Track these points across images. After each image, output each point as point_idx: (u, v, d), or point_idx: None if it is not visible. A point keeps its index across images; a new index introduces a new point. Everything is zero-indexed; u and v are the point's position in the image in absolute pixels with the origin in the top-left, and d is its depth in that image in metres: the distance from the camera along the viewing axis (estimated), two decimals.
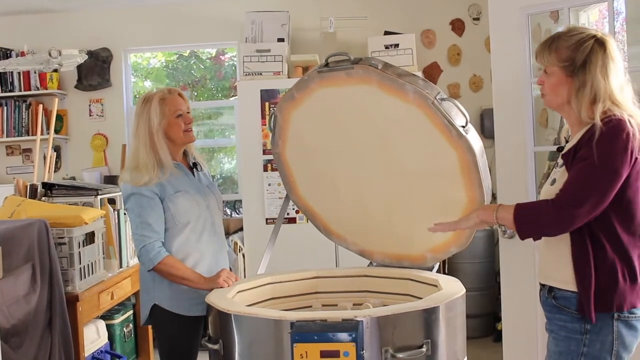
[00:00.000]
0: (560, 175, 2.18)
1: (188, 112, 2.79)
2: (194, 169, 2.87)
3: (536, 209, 2.12)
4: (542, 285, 2.26)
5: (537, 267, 2.30)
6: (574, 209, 2.02)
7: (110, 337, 3.81)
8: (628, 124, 2.03)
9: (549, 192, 2.20)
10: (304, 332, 2.01)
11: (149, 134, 2.70)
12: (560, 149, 2.30)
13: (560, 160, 2.24)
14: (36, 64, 3.76)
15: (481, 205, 2.34)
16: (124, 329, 3.94)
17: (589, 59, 2.11)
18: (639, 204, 2.10)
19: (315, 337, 1.99)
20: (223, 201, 6.32)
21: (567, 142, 2.29)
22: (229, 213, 6.40)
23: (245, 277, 5.06)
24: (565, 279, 2.13)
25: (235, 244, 5.34)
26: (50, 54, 3.69)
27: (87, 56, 4.47)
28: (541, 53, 2.22)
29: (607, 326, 2.08)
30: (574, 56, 2.13)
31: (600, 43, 2.13)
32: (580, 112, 2.12)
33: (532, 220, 2.12)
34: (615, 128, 2.03)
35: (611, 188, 2.03)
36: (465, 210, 2.44)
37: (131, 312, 4.05)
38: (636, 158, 2.04)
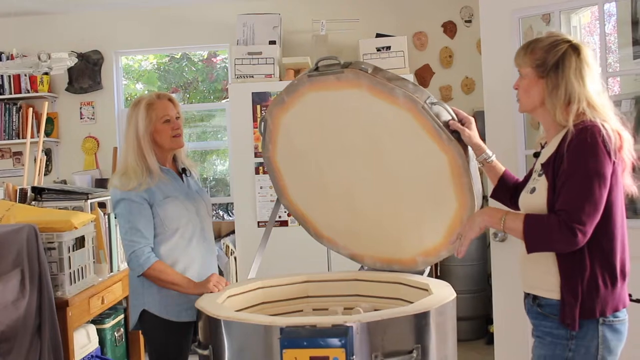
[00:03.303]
0: (540, 184, 2.18)
1: (178, 117, 2.77)
2: (183, 175, 2.86)
3: (546, 225, 2.07)
4: (527, 294, 2.27)
5: (520, 276, 2.29)
6: (582, 226, 2.01)
7: (101, 342, 3.78)
8: (602, 128, 2.04)
9: (528, 200, 2.21)
10: (293, 338, 1.99)
11: (136, 139, 2.69)
12: (536, 155, 2.31)
13: (538, 168, 2.24)
14: (25, 67, 3.75)
15: (484, 211, 2.27)
16: (115, 333, 3.92)
17: (562, 61, 2.12)
18: (619, 207, 2.11)
19: (305, 343, 1.98)
20: (216, 204, 6.35)
21: (542, 147, 2.30)
22: (222, 215, 6.38)
23: (237, 280, 5.05)
24: (549, 288, 2.14)
25: (227, 247, 5.33)
26: (39, 58, 3.68)
27: (77, 59, 4.47)
28: (518, 55, 2.24)
29: (592, 331, 2.08)
30: (546, 57, 2.15)
31: (574, 48, 2.14)
32: (555, 114, 2.13)
33: (542, 237, 2.08)
34: (592, 135, 2.04)
35: (605, 195, 2.05)
36: (456, 215, 2.43)
37: (122, 316, 4.03)
38: (614, 162, 2.05)
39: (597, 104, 2.10)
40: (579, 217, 2.01)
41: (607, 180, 2.04)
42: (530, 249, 2.11)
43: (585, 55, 2.14)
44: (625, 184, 2.15)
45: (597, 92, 2.14)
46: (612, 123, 2.09)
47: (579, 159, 2.04)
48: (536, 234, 2.09)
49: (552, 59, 2.13)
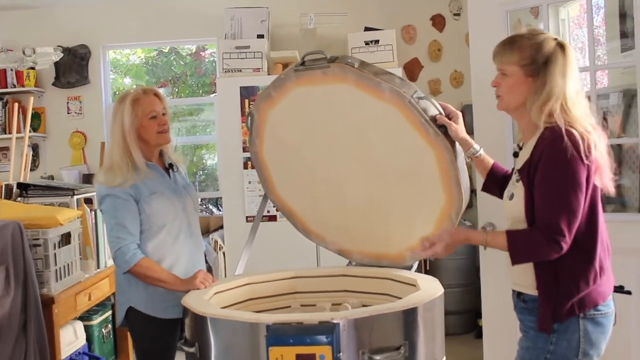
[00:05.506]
0: (518, 190, 2.19)
1: (164, 113, 2.74)
2: (170, 170, 2.83)
3: (532, 242, 2.10)
4: (513, 290, 2.29)
5: (507, 273, 2.31)
6: (564, 236, 2.04)
7: (89, 339, 3.76)
8: (566, 136, 2.04)
9: (508, 207, 2.24)
10: (279, 335, 1.98)
11: (122, 135, 2.66)
12: (516, 155, 2.31)
13: (516, 173, 2.25)
14: (10, 62, 3.71)
15: (467, 237, 2.34)
16: (103, 329, 3.90)
17: (551, 60, 2.12)
18: (598, 208, 2.13)
19: (291, 341, 1.96)
20: (205, 198, 6.32)
21: (520, 148, 2.30)
22: (211, 210, 6.36)
23: (225, 275, 5.03)
24: (531, 284, 2.16)
25: (216, 242, 5.31)
26: (24, 52, 3.63)
27: (62, 54, 4.41)
28: (501, 52, 2.21)
29: (573, 325, 2.10)
30: (535, 55, 2.13)
31: (561, 46, 2.14)
32: (531, 111, 2.13)
33: (528, 252, 2.12)
34: (562, 143, 2.04)
35: (582, 201, 2.07)
36: (444, 209, 2.43)
37: (110, 312, 4.00)
38: (587, 164, 2.05)
39: (570, 106, 2.10)
40: (560, 229, 2.04)
41: (583, 185, 2.05)
42: (515, 262, 2.14)
43: (570, 54, 2.14)
44: (603, 185, 2.14)
45: (576, 91, 2.13)
46: (579, 126, 2.09)
47: (552, 168, 2.06)
48: (523, 250, 2.12)
49: (541, 58, 2.12)
